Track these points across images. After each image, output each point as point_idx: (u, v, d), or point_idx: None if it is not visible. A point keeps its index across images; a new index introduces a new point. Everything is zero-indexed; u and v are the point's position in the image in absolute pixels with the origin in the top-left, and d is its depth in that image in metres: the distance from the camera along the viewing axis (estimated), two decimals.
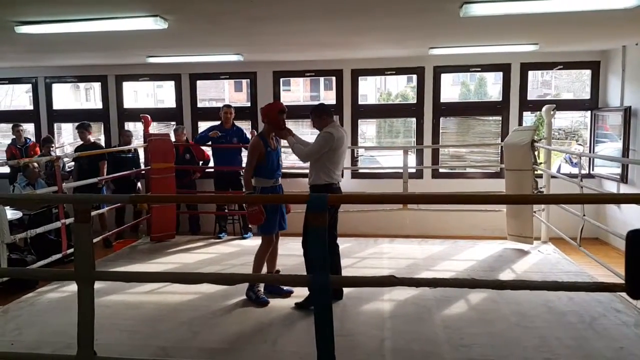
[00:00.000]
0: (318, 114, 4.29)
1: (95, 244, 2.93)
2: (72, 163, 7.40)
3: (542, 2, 3.93)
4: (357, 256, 5.66)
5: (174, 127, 7.64)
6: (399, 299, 4.26)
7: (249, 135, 6.93)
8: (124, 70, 8.08)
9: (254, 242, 6.27)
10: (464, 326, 3.75)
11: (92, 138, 7.10)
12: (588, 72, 7.48)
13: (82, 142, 7.02)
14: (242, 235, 6.69)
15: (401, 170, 6.68)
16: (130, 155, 7.29)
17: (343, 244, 5.96)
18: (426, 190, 7.25)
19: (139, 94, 13.68)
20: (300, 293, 4.19)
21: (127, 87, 8.64)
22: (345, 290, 4.29)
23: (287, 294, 4.36)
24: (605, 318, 3.81)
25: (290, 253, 5.70)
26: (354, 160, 7.88)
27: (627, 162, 6.38)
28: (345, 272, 4.99)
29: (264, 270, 4.47)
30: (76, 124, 7.20)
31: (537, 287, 2.45)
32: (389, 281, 2.53)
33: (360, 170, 7.92)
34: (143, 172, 7.02)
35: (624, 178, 6.53)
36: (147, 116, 6.72)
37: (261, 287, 4.32)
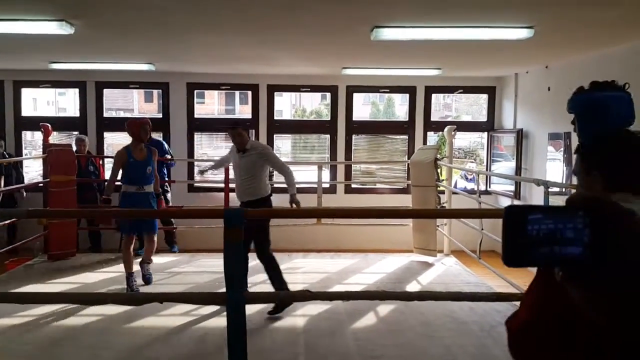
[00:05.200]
0: (245, 131, 4.49)
1: None
2: None
3: (445, 30, 4.24)
4: None
5: (75, 137, 7.20)
6: (312, 313, 4.30)
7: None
8: (23, 76, 7.49)
9: (162, 259, 6.05)
10: (374, 337, 3.87)
11: None
12: (485, 96, 8.11)
13: None
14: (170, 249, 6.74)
15: (315, 185, 6.79)
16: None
17: (256, 259, 5.95)
18: (339, 205, 7.43)
19: (38, 102, 12.76)
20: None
21: (26, 93, 8.03)
22: (260, 306, 4.26)
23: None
24: (502, 326, 3.98)
25: (203, 270, 5.60)
26: (270, 175, 7.87)
27: (519, 179, 6.96)
28: (259, 288, 4.96)
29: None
30: None
31: (443, 297, 2.60)
32: (303, 295, 2.57)
33: (276, 185, 7.92)
34: (40, 184, 6.53)
35: (516, 194, 7.12)
36: (47, 125, 6.29)
37: (138, 279, 4.96)
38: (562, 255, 0.83)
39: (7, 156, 6.90)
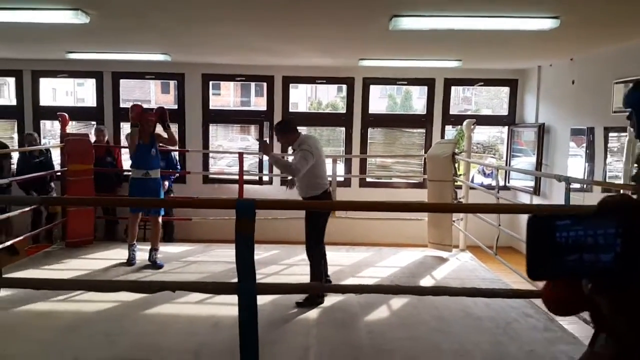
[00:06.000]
0: (283, 132, 4.32)
1: None
2: None
3: (466, 19, 4.14)
4: (285, 263, 5.63)
5: (95, 126, 7.25)
6: (325, 305, 4.25)
7: None
8: (41, 66, 7.58)
9: (177, 249, 6.08)
10: (386, 331, 3.82)
11: None
12: (506, 89, 7.96)
13: None
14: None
15: (330, 179, 6.72)
16: (41, 158, 6.73)
17: (270, 250, 5.97)
18: (354, 199, 7.36)
19: (57, 92, 12.91)
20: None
21: (45, 83, 8.13)
22: (272, 297, 4.24)
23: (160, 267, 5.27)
24: (517, 323, 4.02)
25: (217, 260, 5.61)
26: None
27: (539, 175, 6.82)
28: (273, 279, 4.96)
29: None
30: None
31: (458, 293, 2.54)
32: (316, 287, 2.53)
33: (290, 178, 7.90)
34: (59, 173, 6.59)
35: (536, 190, 6.99)
36: (64, 115, 6.34)
37: (158, 254, 5.33)
38: (591, 263, 0.77)
39: (43, 151, 6.88)
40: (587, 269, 0.79)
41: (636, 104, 1.82)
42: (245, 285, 2.41)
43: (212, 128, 7.99)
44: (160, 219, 5.51)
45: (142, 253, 5.50)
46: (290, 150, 4.44)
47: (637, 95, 1.83)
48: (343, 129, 7.91)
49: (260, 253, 5.78)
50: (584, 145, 5.88)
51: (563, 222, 0.76)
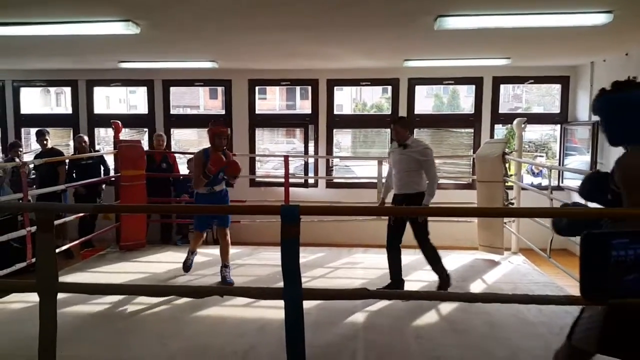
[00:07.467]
0: (403, 127, 4.71)
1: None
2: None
3: (514, 17, 4.01)
4: (331, 266, 5.64)
5: (155, 133, 7.47)
6: (373, 309, 4.24)
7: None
8: (95, 75, 7.92)
9: (232, 251, 6.17)
10: (436, 337, 3.75)
11: (50, 144, 6.92)
12: (558, 86, 7.67)
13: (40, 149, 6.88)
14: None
15: (375, 180, 6.69)
16: (90, 161, 6.96)
17: (316, 253, 5.99)
18: None
19: (111, 100, 13.48)
20: None
21: (99, 92, 8.48)
22: (319, 301, 4.25)
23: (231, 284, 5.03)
24: None
25: (264, 263, 5.68)
26: (329, 169, 7.89)
27: None
28: (318, 283, 4.98)
29: None
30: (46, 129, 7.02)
31: (509, 300, 2.46)
32: (362, 294, 2.51)
33: (335, 180, 7.92)
34: (113, 179, 6.86)
35: None
36: (117, 122, 6.59)
37: (229, 271, 5.10)
38: None
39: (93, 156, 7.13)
40: None
41: (601, 111, 1.77)
42: (291, 290, 2.42)
43: (259, 132, 8.09)
44: (228, 231, 5.15)
45: (198, 256, 5.58)
46: (397, 146, 4.77)
47: (601, 102, 1.78)
48: (388, 130, 7.84)
49: (306, 256, 5.82)
50: None
51: (620, 240, 0.72)
